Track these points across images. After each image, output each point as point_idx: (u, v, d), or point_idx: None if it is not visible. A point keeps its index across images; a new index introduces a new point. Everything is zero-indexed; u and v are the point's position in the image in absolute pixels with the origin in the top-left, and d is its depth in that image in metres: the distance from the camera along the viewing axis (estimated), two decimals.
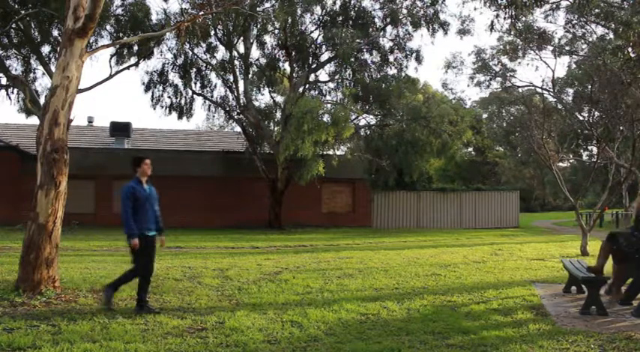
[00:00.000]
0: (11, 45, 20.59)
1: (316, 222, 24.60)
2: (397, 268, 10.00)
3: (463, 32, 24.82)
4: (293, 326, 5.45)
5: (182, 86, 23.68)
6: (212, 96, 24.39)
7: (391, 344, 4.81)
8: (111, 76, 20.29)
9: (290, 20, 21.40)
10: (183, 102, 23.91)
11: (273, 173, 22.68)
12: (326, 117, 20.77)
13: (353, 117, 23.11)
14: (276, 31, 22.72)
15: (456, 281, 8.60)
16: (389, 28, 23.53)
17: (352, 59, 22.03)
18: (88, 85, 19.91)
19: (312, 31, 23.39)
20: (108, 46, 12.79)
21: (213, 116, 27.00)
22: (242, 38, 22.88)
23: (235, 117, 24.58)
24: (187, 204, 22.85)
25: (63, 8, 8.10)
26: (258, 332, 5.16)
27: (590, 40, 24.13)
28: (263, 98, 36.68)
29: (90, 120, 29.95)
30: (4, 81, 20.66)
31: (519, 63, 39.69)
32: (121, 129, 25.81)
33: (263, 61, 24.09)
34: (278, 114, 24.56)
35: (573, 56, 27.54)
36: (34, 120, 21.04)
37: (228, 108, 24.81)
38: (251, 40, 23.16)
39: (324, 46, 23.22)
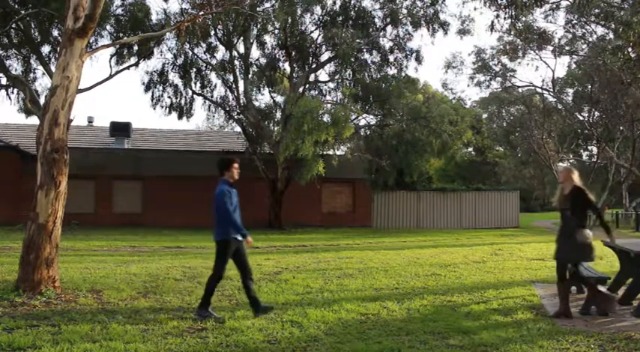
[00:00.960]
0: (11, 45, 20.58)
1: (316, 222, 24.59)
2: (397, 268, 10.00)
3: (463, 32, 24.81)
4: (293, 326, 5.45)
5: (182, 86, 23.69)
6: (212, 96, 24.40)
7: (391, 344, 4.81)
8: (111, 76, 20.29)
9: (290, 20, 21.39)
10: (183, 102, 23.91)
11: (273, 173, 22.67)
12: (326, 117, 20.77)
13: (353, 117, 23.10)
14: (276, 31, 22.72)
15: (456, 281, 8.59)
16: (389, 28, 23.55)
17: (352, 59, 22.02)
18: (88, 85, 19.90)
19: (312, 31, 23.40)
20: (108, 46, 12.81)
21: (213, 116, 27.06)
22: (242, 38, 22.88)
23: (235, 117, 24.58)
24: (187, 204, 22.85)
25: (63, 8, 8.09)
26: (258, 332, 5.16)
27: (590, 40, 24.12)
28: (263, 98, 36.72)
29: (90, 120, 29.95)
30: (4, 81, 20.67)
31: (519, 63, 39.67)
32: (121, 129, 25.81)
33: (263, 61, 24.10)
34: (278, 114, 24.55)
35: (573, 56, 27.52)
36: (34, 120, 21.04)
37: (228, 108, 24.82)
38: (251, 40, 23.17)
39: (324, 46, 23.23)
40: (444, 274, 9.21)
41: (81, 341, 4.70)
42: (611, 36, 20.40)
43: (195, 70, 23.54)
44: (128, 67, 21.43)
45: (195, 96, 24.05)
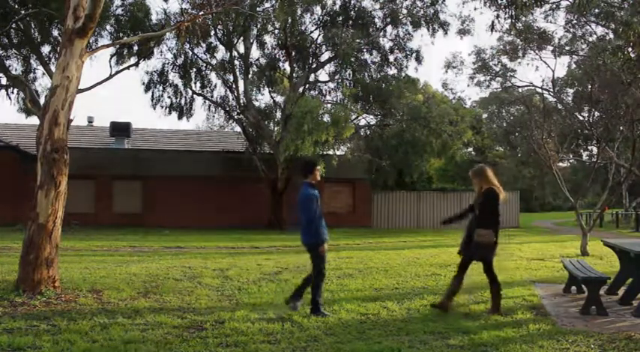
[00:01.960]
0: (11, 45, 20.58)
1: None
2: (397, 268, 10.00)
3: (463, 32, 24.79)
4: (293, 326, 5.44)
5: (182, 86, 23.71)
6: (212, 96, 24.42)
7: (391, 344, 4.81)
8: (111, 76, 20.29)
9: (290, 20, 21.41)
10: (183, 102, 23.93)
11: (273, 173, 22.67)
12: (326, 117, 20.80)
13: (353, 117, 23.12)
14: (276, 31, 22.74)
15: None
16: (389, 28, 23.58)
17: (352, 59, 22.05)
18: (88, 85, 19.87)
19: (312, 31, 23.42)
20: (108, 46, 12.82)
21: (213, 116, 27.06)
22: (242, 38, 22.89)
23: (235, 117, 24.59)
24: (187, 204, 22.85)
25: (63, 8, 8.09)
26: (258, 332, 5.16)
27: (590, 40, 24.11)
28: (263, 98, 36.67)
29: (90, 120, 29.96)
30: (4, 81, 20.66)
31: (519, 63, 39.61)
32: (121, 129, 25.81)
33: (263, 61, 24.12)
34: (278, 114, 24.56)
35: (573, 56, 27.51)
36: (34, 120, 21.04)
37: (228, 108, 24.82)
38: (251, 40, 23.17)
39: (324, 46, 23.25)
40: (444, 274, 9.20)
41: (81, 341, 4.69)
42: (611, 36, 20.39)
43: (195, 70, 23.56)
44: (128, 67, 21.44)
45: (195, 96, 24.08)
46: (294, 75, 23.59)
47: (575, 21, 23.06)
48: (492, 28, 13.18)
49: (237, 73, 23.34)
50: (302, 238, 6.07)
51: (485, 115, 39.65)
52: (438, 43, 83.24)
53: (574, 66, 28.94)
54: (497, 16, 12.65)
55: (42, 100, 17.94)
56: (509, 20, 13.52)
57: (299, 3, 21.52)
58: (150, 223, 21.98)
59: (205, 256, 11.75)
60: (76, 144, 22.64)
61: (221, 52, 24.25)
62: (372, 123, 25.40)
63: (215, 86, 24.37)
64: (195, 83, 23.85)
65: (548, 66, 52.44)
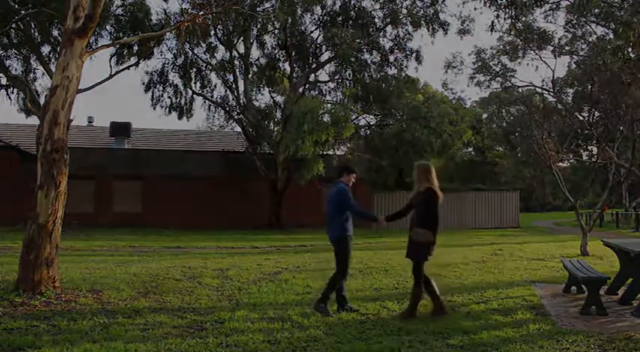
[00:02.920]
0: (11, 45, 20.59)
1: (316, 222, 24.56)
2: (397, 268, 9.99)
3: (463, 32, 24.76)
4: (293, 326, 5.44)
5: (182, 86, 23.72)
6: (212, 96, 24.43)
7: (391, 344, 4.81)
8: (111, 76, 20.31)
9: (290, 20, 21.42)
10: (183, 102, 23.94)
11: (273, 173, 22.67)
12: (326, 117, 20.79)
13: (353, 117, 23.12)
14: (276, 31, 22.75)
15: (456, 281, 8.59)
16: (389, 28, 23.58)
17: (352, 59, 22.07)
18: (88, 84, 19.89)
19: (312, 31, 23.43)
20: (108, 46, 12.83)
21: (213, 116, 27.10)
22: (242, 38, 22.90)
23: (235, 117, 24.60)
24: (187, 204, 22.84)
25: (63, 8, 8.09)
26: (258, 332, 5.16)
27: (590, 40, 24.11)
28: (263, 98, 36.75)
29: (90, 120, 29.98)
30: (4, 81, 20.68)
31: (519, 63, 39.62)
32: (121, 129, 25.84)
33: (263, 61, 24.13)
34: (278, 114, 24.58)
35: (573, 56, 27.50)
36: (34, 120, 21.04)
37: (228, 108, 24.83)
38: (251, 40, 23.18)
39: (324, 46, 23.26)
40: (444, 274, 9.19)
41: (81, 341, 4.69)
42: (611, 36, 20.41)
43: (195, 70, 23.57)
44: (128, 67, 21.47)
45: (195, 96, 24.10)
46: (294, 75, 23.60)
47: (575, 21, 23.06)
48: (492, 28, 13.21)
49: (237, 73, 23.34)
50: (329, 235, 6.22)
51: (485, 115, 39.65)
52: (438, 43, 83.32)
53: (574, 66, 28.95)
54: (497, 16, 12.69)
55: (42, 100, 17.94)
56: (509, 20, 13.56)
57: (299, 3, 21.53)
58: (150, 223, 21.98)
59: (205, 256, 11.75)
60: (76, 144, 22.64)
61: (221, 52, 24.33)
62: (372, 123, 25.41)
63: (215, 86, 24.44)
64: (195, 83, 23.89)
65: (548, 66, 52.66)
